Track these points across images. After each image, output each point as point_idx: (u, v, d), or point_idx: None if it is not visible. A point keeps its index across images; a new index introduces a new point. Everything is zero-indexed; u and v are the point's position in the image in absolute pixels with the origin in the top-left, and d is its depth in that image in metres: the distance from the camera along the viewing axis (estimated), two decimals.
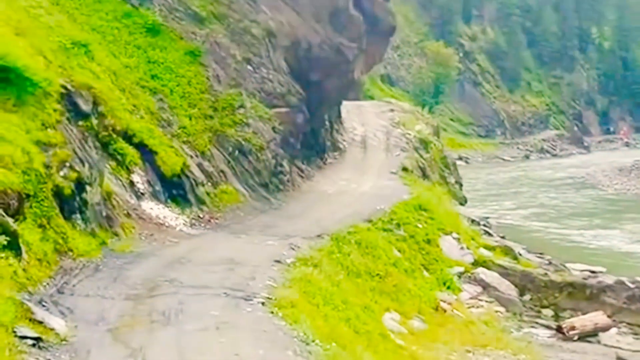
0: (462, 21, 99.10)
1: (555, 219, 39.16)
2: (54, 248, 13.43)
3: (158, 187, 19.73)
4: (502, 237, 30.22)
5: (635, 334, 19.06)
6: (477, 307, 20.17)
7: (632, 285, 20.21)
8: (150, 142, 20.23)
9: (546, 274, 22.02)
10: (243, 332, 10.88)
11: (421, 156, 32.76)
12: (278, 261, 15.61)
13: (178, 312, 11.62)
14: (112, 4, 24.86)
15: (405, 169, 29.92)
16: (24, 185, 12.88)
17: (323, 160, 29.40)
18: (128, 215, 17.72)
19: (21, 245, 11.98)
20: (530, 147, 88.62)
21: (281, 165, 24.32)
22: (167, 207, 19.51)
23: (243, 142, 23.23)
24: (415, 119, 37.33)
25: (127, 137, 19.65)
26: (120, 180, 18.74)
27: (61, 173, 14.80)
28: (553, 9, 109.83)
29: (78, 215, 15.24)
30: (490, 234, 29.33)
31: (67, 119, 17.35)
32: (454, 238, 23.09)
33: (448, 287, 20.42)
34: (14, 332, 9.51)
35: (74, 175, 15.16)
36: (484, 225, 32.53)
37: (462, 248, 22.88)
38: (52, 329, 10.21)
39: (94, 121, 18.59)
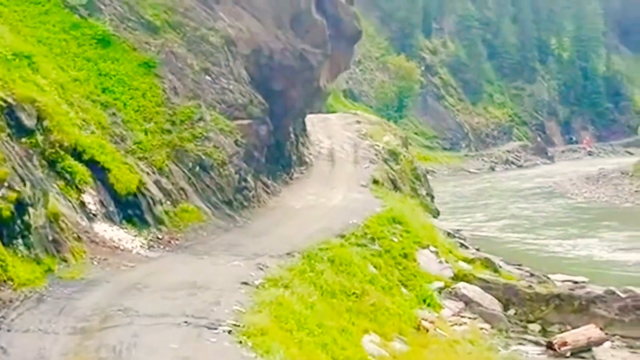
0: (423, 35, 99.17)
1: (529, 230, 38.35)
2: None
3: (112, 208, 18.33)
4: (477, 250, 29.23)
5: (631, 348, 17.90)
6: (460, 324, 19.12)
7: (623, 295, 19.07)
8: (102, 158, 18.79)
9: (530, 286, 20.90)
10: None
11: (391, 168, 31.70)
12: (245, 283, 14.59)
13: (131, 346, 10.34)
14: (59, 15, 23.72)
15: (375, 182, 28.95)
16: None
17: (289, 175, 28.16)
18: (78, 238, 16.20)
19: None
20: (495, 158, 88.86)
21: (245, 181, 22.96)
22: (122, 228, 18.13)
23: (204, 157, 21.92)
24: (382, 130, 36.38)
25: (77, 154, 18.22)
26: (70, 201, 17.24)
27: None
28: (512, 20, 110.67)
29: (20, 240, 13.78)
30: (466, 247, 28.17)
31: (8, 134, 15.95)
32: (431, 251, 21.94)
33: (428, 304, 19.34)
34: None
35: (13, 195, 13.63)
36: (458, 237, 31.42)
37: (440, 262, 21.71)
38: None
39: (39, 137, 17.18)
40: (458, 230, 35.25)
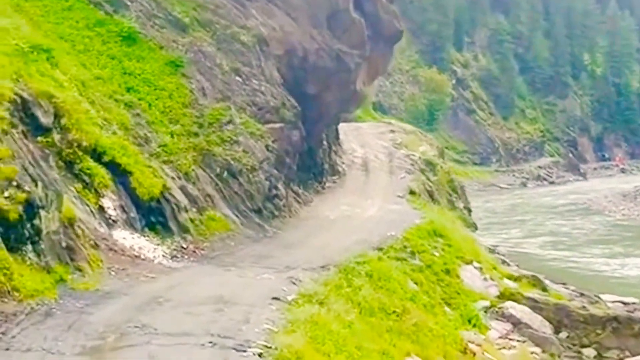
0: (454, 48, 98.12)
1: (570, 247, 37.00)
2: None
3: (133, 214, 17.10)
4: (517, 267, 27.71)
5: None
6: (509, 347, 17.81)
7: None
8: (124, 160, 17.54)
9: (584, 307, 19.31)
10: None
11: (428, 178, 30.43)
12: (276, 298, 13.43)
13: None
14: (83, 12, 22.81)
15: (412, 192, 27.66)
16: None
17: (321, 184, 27.00)
18: (95, 246, 14.90)
19: None
20: (527, 174, 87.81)
21: (276, 188, 21.70)
22: (144, 236, 16.88)
23: (232, 162, 20.76)
24: (418, 140, 35.19)
25: (96, 155, 16.97)
26: (87, 205, 15.95)
27: (5, 193, 11.95)
28: (544, 35, 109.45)
29: (29, 246, 12.48)
30: (507, 264, 26.64)
31: (22, 132, 14.70)
32: (475, 267, 20.59)
33: (474, 325, 18.08)
34: None
35: (22, 196, 12.31)
36: (497, 253, 29.93)
37: (485, 279, 20.36)
38: None
39: (56, 136, 15.89)
40: (495, 246, 33.87)
